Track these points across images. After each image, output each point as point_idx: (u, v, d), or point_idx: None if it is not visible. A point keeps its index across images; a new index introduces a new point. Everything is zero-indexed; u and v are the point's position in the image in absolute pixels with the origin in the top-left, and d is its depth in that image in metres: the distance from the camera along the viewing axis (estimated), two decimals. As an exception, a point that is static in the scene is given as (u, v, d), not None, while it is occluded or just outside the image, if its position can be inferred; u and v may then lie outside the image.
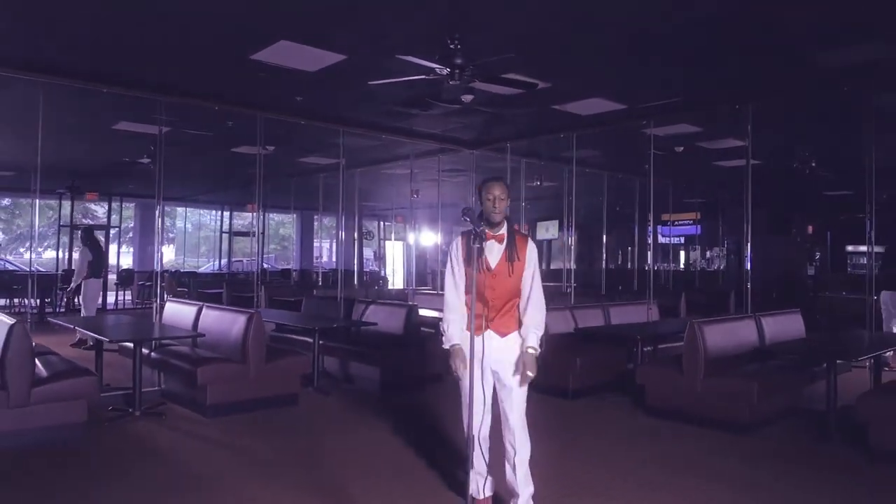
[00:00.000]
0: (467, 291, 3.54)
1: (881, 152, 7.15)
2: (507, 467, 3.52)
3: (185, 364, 5.97)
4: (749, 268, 7.78)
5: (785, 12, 5.06)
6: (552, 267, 19.29)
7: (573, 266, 12.13)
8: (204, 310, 6.84)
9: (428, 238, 18.58)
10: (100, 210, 22.37)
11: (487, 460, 3.61)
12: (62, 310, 13.50)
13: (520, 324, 3.53)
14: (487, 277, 3.43)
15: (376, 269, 20.89)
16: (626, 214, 13.63)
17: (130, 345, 6.10)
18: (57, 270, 14.58)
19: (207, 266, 23.09)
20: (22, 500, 3.91)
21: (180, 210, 21.12)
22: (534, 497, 3.56)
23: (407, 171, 11.77)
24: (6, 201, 24.73)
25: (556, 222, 17.74)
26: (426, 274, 18.51)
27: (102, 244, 12.61)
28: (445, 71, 5.66)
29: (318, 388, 6.80)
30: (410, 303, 8.66)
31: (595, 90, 7.44)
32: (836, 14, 5.11)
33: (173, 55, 6.32)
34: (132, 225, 21.37)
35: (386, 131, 9.66)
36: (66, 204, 15.28)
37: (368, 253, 22.10)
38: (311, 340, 7.09)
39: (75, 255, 13.89)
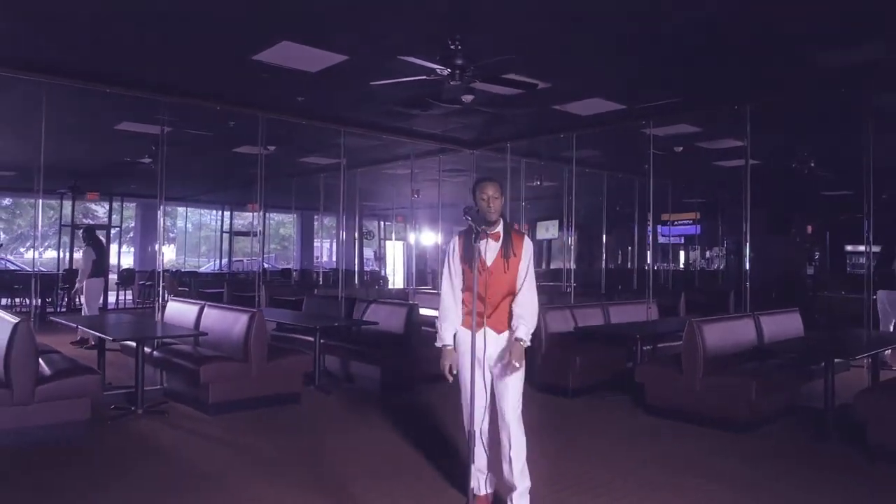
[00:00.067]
0: (464, 289, 3.60)
1: (880, 152, 7.18)
2: (504, 462, 3.56)
3: (188, 363, 6.00)
4: (748, 267, 7.81)
5: (784, 13, 5.08)
6: (552, 267, 19.32)
7: (573, 266, 12.17)
8: (206, 309, 6.87)
9: (428, 238, 18.62)
10: (100, 210, 22.40)
11: (488, 456, 3.65)
12: (63, 309, 13.53)
13: None
14: (484, 275, 3.46)
15: (376, 268, 20.91)
16: (625, 214, 13.67)
17: (133, 344, 6.13)
18: (58, 270, 14.60)
19: (208, 266, 23.11)
20: (25, 497, 3.93)
21: (181, 210, 21.14)
22: (533, 496, 3.59)
23: (407, 171, 11.80)
24: (7, 201, 24.74)
25: (556, 222, 17.78)
26: (426, 273, 18.55)
27: (104, 243, 12.62)
28: (446, 71, 5.69)
29: (320, 386, 6.83)
30: (411, 302, 8.70)
31: (595, 90, 7.47)
32: (834, 14, 5.13)
33: (175, 56, 6.35)
34: (133, 225, 21.40)
35: (386, 131, 9.69)
36: (67, 204, 15.31)
37: (368, 253, 22.13)
38: (312, 339, 7.12)
39: (77, 255, 13.94)
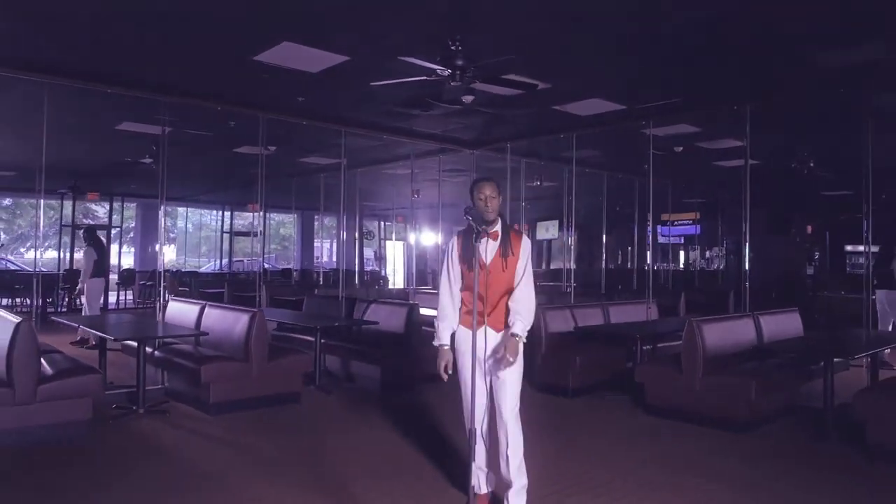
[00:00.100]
0: (463, 289, 3.63)
1: (879, 152, 7.19)
2: (501, 459, 3.58)
3: (189, 362, 6.01)
4: (748, 267, 7.82)
5: (784, 13, 5.10)
6: (552, 267, 19.33)
7: (573, 266, 12.18)
8: (207, 309, 6.88)
9: (428, 238, 18.64)
10: (100, 210, 22.41)
11: (487, 453, 3.68)
12: (64, 309, 13.54)
13: None
14: (482, 274, 3.48)
15: (377, 268, 20.93)
16: (625, 214, 13.68)
17: (134, 343, 6.15)
18: (59, 270, 14.62)
19: (208, 266, 23.12)
20: (27, 497, 3.94)
21: (181, 210, 21.16)
22: (533, 495, 3.61)
23: (407, 171, 11.82)
24: (7, 201, 24.75)
25: (556, 222, 17.79)
26: (426, 273, 18.56)
27: (105, 243, 12.63)
28: (447, 72, 5.70)
29: (320, 386, 6.84)
30: (411, 302, 8.71)
31: (595, 90, 7.48)
32: (834, 15, 5.15)
33: (176, 56, 6.36)
34: (133, 225, 21.40)
35: (387, 131, 9.70)
36: (68, 204, 15.32)
37: (368, 253, 22.15)
38: (312, 339, 7.13)
39: (77, 255, 13.95)
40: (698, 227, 16.96)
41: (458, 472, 4.18)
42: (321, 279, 16.26)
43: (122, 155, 10.96)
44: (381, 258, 21.56)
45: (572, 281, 10.93)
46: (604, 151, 10.86)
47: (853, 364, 7.12)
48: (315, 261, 21.22)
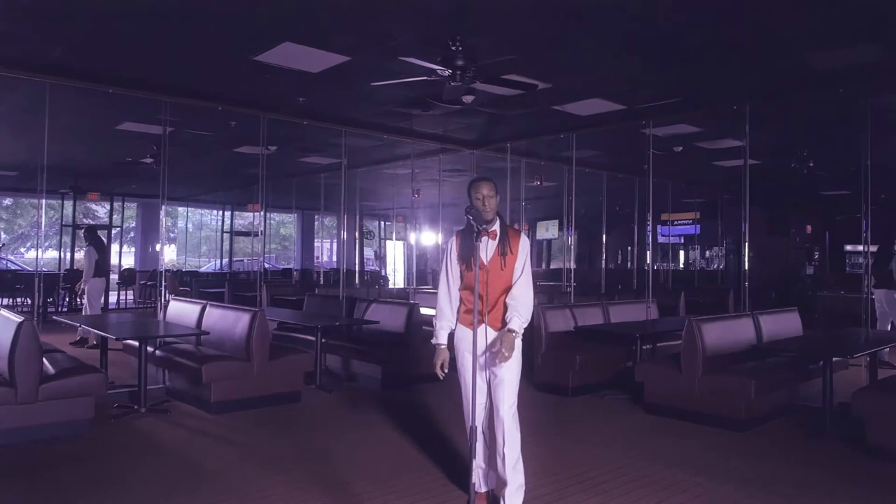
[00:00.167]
0: (462, 288, 3.66)
1: (878, 153, 7.21)
2: (497, 457, 3.60)
3: (190, 361, 6.03)
4: (747, 267, 7.83)
5: (783, 14, 5.11)
6: (552, 267, 19.34)
7: (573, 265, 12.17)
8: (208, 308, 6.90)
9: (428, 238, 18.65)
10: (101, 210, 22.42)
11: (486, 450, 3.69)
12: (65, 309, 13.56)
13: None
14: (481, 273, 3.50)
15: (377, 268, 20.96)
16: (625, 214, 13.68)
17: (135, 343, 6.17)
18: (59, 270, 14.63)
19: (209, 266, 23.14)
20: (29, 495, 3.96)
21: (182, 210, 21.16)
22: (533, 494, 3.62)
23: (408, 171, 11.83)
24: (8, 201, 24.77)
25: (556, 222, 17.81)
26: (426, 273, 18.57)
27: (105, 243, 12.65)
28: (447, 72, 5.71)
29: (321, 385, 6.86)
30: (411, 301, 8.74)
31: (595, 90, 7.50)
32: (833, 16, 5.16)
33: (177, 56, 6.38)
34: (133, 225, 21.42)
35: (387, 131, 9.72)
36: (68, 204, 15.34)
37: (368, 252, 22.17)
38: (313, 339, 7.15)
39: (78, 255, 13.97)
40: (698, 226, 16.95)
41: (459, 471, 4.21)
42: (321, 279, 16.27)
43: (122, 155, 10.96)
44: (381, 258, 21.58)
45: (572, 281, 10.93)
46: (604, 151, 10.87)
47: (852, 363, 7.14)
48: (315, 261, 21.24)
